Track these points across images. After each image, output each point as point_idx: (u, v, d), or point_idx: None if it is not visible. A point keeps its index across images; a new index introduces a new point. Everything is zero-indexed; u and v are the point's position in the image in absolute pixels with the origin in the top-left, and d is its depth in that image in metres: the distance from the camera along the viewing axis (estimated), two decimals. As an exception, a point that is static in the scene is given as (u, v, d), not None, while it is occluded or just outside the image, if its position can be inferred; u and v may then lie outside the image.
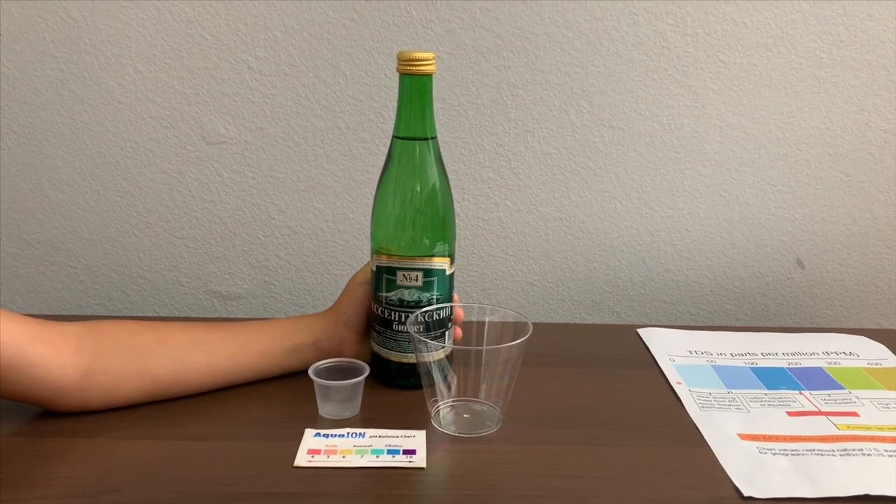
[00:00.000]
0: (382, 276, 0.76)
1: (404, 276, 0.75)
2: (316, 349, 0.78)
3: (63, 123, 1.01)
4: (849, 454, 0.69)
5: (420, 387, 0.73)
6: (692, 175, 1.04)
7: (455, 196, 1.03)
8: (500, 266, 1.07)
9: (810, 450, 0.69)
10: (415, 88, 0.73)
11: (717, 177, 1.04)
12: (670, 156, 1.03)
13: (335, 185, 1.03)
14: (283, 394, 0.77)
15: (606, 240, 1.06)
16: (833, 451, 0.69)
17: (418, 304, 0.75)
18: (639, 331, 0.96)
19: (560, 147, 1.03)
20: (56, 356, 0.67)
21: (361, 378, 0.73)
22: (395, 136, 0.75)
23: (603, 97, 1.01)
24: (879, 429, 0.73)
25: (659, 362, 0.87)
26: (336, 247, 1.06)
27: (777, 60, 1.00)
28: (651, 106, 1.01)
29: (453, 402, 0.73)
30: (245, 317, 1.07)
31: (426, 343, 0.70)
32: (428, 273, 0.75)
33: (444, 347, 0.74)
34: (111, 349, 0.70)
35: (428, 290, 0.75)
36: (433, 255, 0.75)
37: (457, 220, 0.96)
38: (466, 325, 0.76)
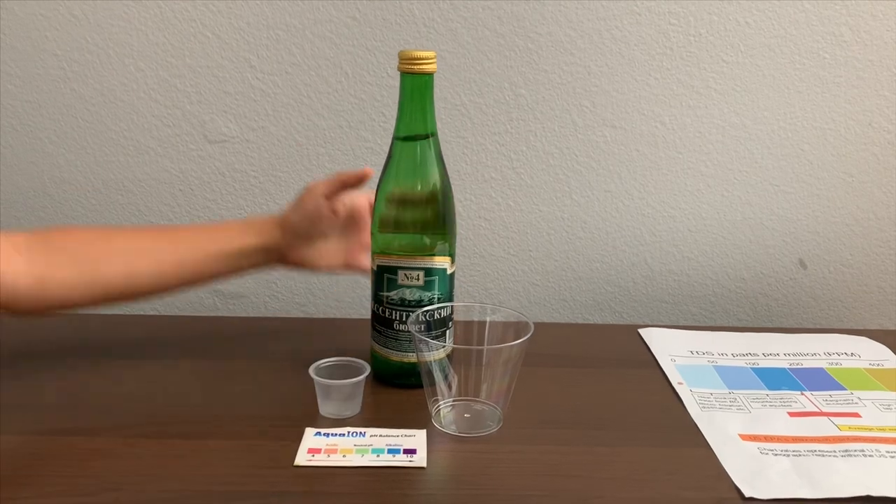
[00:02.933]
0: (383, 276, 0.76)
1: (405, 275, 0.75)
2: (265, 252, 0.79)
3: (64, 122, 1.01)
4: (850, 455, 0.68)
5: (420, 386, 0.73)
6: (694, 175, 1.04)
7: (457, 195, 1.03)
8: (501, 266, 1.07)
9: (812, 450, 0.69)
10: (416, 87, 0.73)
11: (720, 177, 1.04)
12: (673, 156, 1.03)
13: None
14: (284, 393, 0.77)
15: (608, 240, 1.06)
16: (834, 451, 0.69)
17: (419, 304, 0.75)
18: (640, 331, 0.96)
19: (562, 147, 1.02)
20: (8, 266, 0.68)
21: (362, 377, 0.73)
22: (395, 136, 0.75)
23: (605, 97, 1.01)
24: (881, 430, 0.73)
25: (660, 362, 0.87)
26: (337, 246, 1.05)
27: (780, 60, 1.00)
28: (654, 106, 1.01)
29: (454, 401, 0.73)
30: (246, 316, 1.07)
31: (427, 342, 0.70)
32: (429, 272, 0.75)
33: (444, 347, 0.74)
34: (63, 260, 0.72)
35: (429, 290, 0.75)
36: (434, 255, 0.75)
37: (459, 220, 0.96)
38: (467, 325, 0.76)
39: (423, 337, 0.71)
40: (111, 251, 0.75)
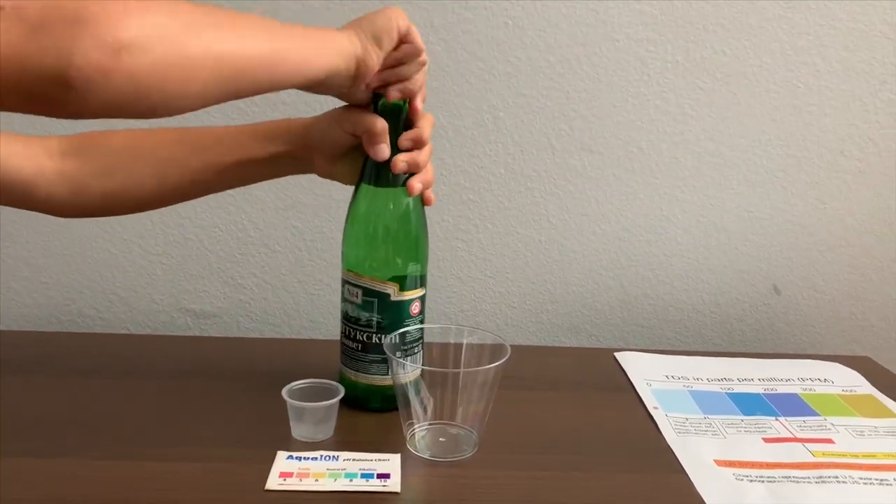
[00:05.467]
0: (343, 284, 0.76)
1: (348, 290, 0.76)
2: (294, 161, 0.76)
3: (34, 133, 0.99)
4: (824, 481, 0.69)
5: (390, 410, 0.72)
6: (670, 200, 1.04)
7: (435, 217, 1.03)
8: (478, 288, 1.07)
9: (786, 476, 0.69)
10: (388, 114, 0.72)
11: (695, 202, 1.05)
12: (649, 181, 1.04)
13: (314, 204, 1.02)
14: (256, 415, 0.76)
15: (585, 263, 1.06)
16: (809, 478, 0.69)
17: (358, 322, 0.75)
18: (616, 355, 0.96)
19: (540, 170, 1.03)
20: (42, 174, 0.69)
21: (336, 400, 0.72)
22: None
23: (583, 121, 1.01)
24: (854, 456, 0.73)
25: (636, 387, 0.87)
26: (313, 266, 1.05)
27: (755, 89, 1.01)
28: (630, 131, 1.02)
29: (429, 425, 0.72)
30: (219, 336, 1.06)
31: (402, 364, 0.70)
32: (368, 293, 0.74)
33: (415, 369, 0.73)
34: (94, 170, 0.72)
35: (367, 311, 0.75)
36: (375, 277, 0.74)
37: (436, 241, 0.95)
38: (443, 347, 0.75)
39: (396, 358, 0.70)
40: (142, 160, 0.74)
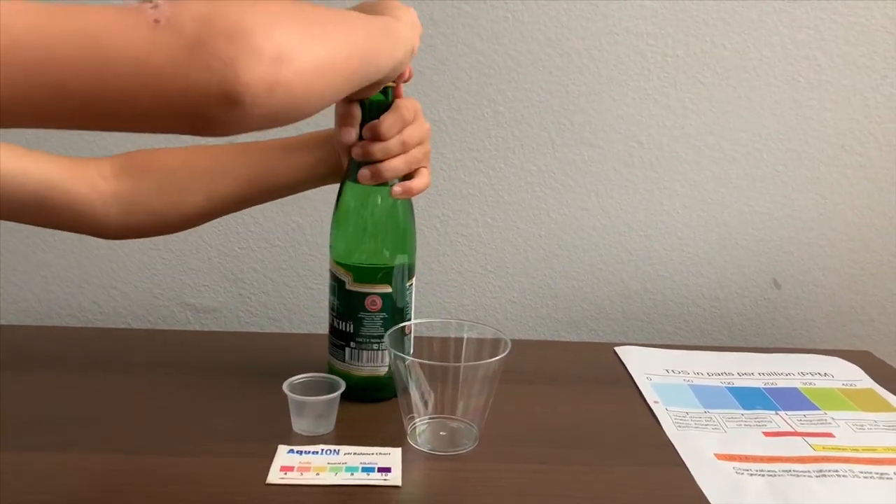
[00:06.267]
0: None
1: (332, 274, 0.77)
2: (331, 165, 0.77)
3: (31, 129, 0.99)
4: (824, 475, 0.69)
5: (384, 399, 0.73)
6: (670, 195, 1.04)
7: (435, 211, 1.03)
8: (478, 282, 1.07)
9: (787, 470, 0.69)
10: (371, 107, 0.71)
11: (696, 197, 1.05)
12: (649, 175, 1.04)
13: (314, 198, 1.02)
14: (257, 409, 0.76)
15: (585, 258, 1.06)
16: (809, 472, 0.69)
17: (331, 307, 0.77)
18: (616, 349, 0.96)
19: (540, 164, 1.03)
20: (97, 196, 0.70)
21: (337, 394, 0.72)
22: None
23: (583, 116, 1.01)
24: (854, 450, 0.74)
25: (636, 381, 0.87)
26: (313, 260, 1.05)
27: (755, 83, 1.01)
28: (631, 125, 1.02)
29: (430, 418, 0.72)
30: (219, 330, 1.06)
31: (402, 357, 0.70)
32: (334, 278, 0.76)
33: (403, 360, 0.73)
34: (148, 189, 0.73)
35: (332, 294, 0.77)
36: (338, 263, 0.75)
37: (436, 235, 0.95)
38: (444, 342, 0.75)
39: (395, 351, 0.70)
40: (193, 177, 0.75)
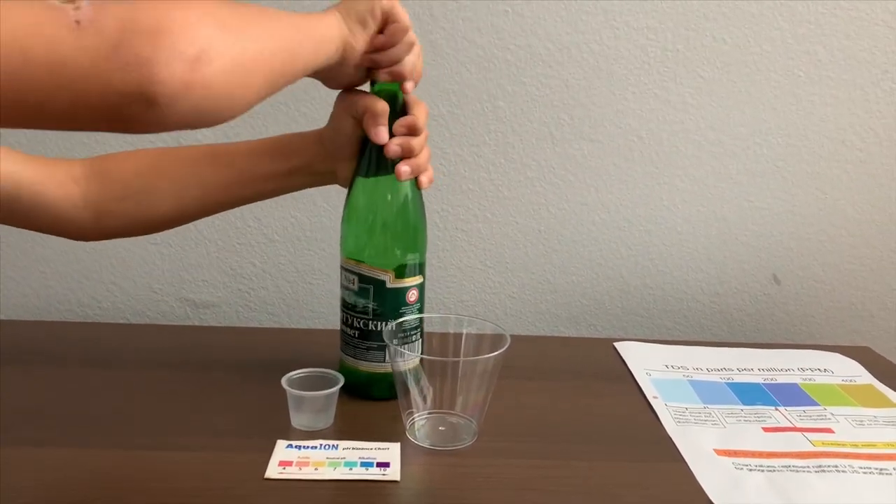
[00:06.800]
0: (341, 271, 0.76)
1: (346, 277, 0.76)
2: (312, 173, 0.76)
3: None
4: (823, 471, 0.69)
5: (388, 398, 0.72)
6: (670, 189, 1.04)
7: (434, 206, 1.02)
8: (478, 277, 1.07)
9: (786, 466, 0.69)
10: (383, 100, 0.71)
11: (695, 192, 1.04)
12: (649, 170, 1.03)
13: (313, 194, 1.01)
14: (255, 404, 0.76)
15: (584, 253, 1.06)
16: (808, 467, 0.69)
17: (354, 308, 0.75)
18: (616, 345, 0.96)
19: (539, 159, 1.03)
20: (67, 198, 0.70)
21: (335, 389, 0.72)
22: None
23: (583, 110, 1.01)
24: (854, 445, 0.73)
25: (636, 376, 0.87)
26: (312, 256, 1.04)
27: (755, 77, 1.01)
28: (630, 120, 1.02)
29: (429, 414, 0.72)
30: (219, 325, 1.06)
31: (401, 352, 0.70)
32: (364, 280, 0.74)
33: (412, 357, 0.73)
34: (116, 194, 0.72)
35: (364, 298, 0.75)
36: (373, 265, 0.74)
37: (435, 231, 0.95)
38: (443, 337, 0.75)
39: (394, 346, 0.70)
40: (162, 182, 0.74)
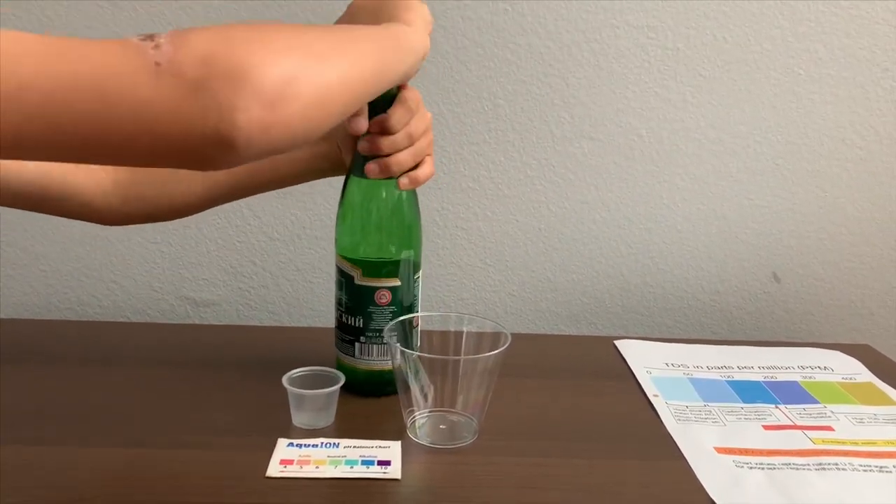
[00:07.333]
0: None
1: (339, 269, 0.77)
2: (329, 158, 0.76)
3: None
4: (824, 469, 0.69)
5: (388, 395, 0.72)
6: (670, 188, 1.04)
7: (434, 205, 1.02)
8: (478, 276, 1.07)
9: (786, 464, 0.69)
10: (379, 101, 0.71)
11: (695, 190, 1.04)
12: (649, 168, 1.03)
13: (313, 191, 1.02)
14: (256, 402, 0.76)
15: (585, 251, 1.06)
16: (808, 465, 0.69)
17: (338, 302, 0.77)
18: (616, 343, 0.96)
19: (540, 157, 1.02)
20: (96, 184, 0.70)
21: (336, 387, 0.72)
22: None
23: (583, 109, 1.01)
24: (854, 443, 0.74)
25: (636, 374, 0.87)
26: (312, 254, 1.04)
27: (755, 76, 1.01)
28: (631, 118, 1.02)
29: (430, 412, 0.72)
30: (219, 324, 1.06)
31: (401, 350, 0.70)
32: (341, 273, 0.76)
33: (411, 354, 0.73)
34: (143, 179, 0.73)
35: (340, 289, 0.76)
36: (344, 258, 0.75)
37: (435, 229, 0.95)
38: (444, 335, 0.75)
39: (396, 345, 0.70)
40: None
